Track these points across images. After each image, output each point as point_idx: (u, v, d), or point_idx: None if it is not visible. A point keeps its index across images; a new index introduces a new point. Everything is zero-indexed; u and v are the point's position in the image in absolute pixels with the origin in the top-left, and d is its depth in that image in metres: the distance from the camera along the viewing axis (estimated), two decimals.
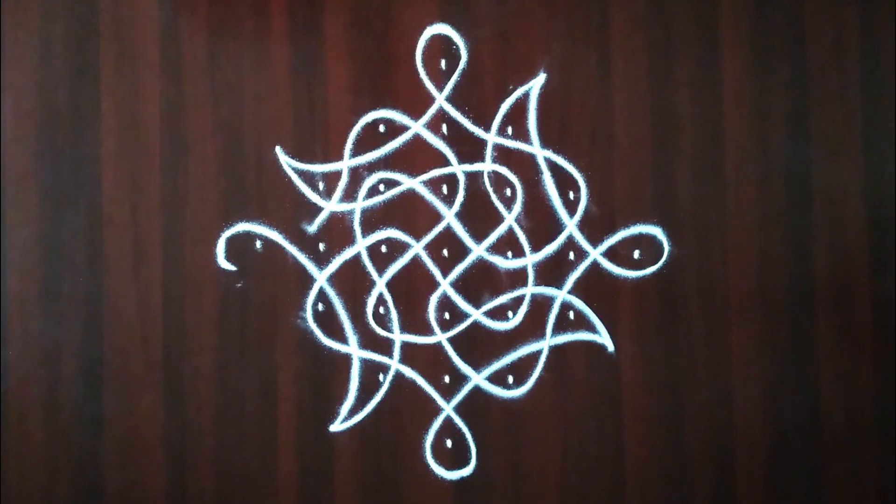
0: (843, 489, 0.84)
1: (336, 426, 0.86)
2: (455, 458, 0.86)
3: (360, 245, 0.86)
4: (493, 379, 0.85)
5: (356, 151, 0.85)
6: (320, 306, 0.86)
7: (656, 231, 0.85)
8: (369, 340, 0.86)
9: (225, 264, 0.86)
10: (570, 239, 0.85)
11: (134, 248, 0.87)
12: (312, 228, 0.86)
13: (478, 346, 0.86)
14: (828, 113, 0.84)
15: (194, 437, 0.87)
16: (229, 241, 0.87)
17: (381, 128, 0.84)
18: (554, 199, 0.85)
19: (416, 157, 0.84)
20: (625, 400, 0.85)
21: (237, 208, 0.87)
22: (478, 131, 0.85)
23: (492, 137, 0.85)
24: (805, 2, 0.84)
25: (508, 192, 0.85)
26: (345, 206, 0.86)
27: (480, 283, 0.86)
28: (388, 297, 0.86)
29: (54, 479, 0.87)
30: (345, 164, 0.86)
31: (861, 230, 0.84)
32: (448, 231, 0.84)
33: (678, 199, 0.85)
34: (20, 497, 0.87)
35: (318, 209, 0.86)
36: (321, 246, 0.86)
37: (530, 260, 0.85)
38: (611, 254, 0.85)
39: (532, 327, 0.85)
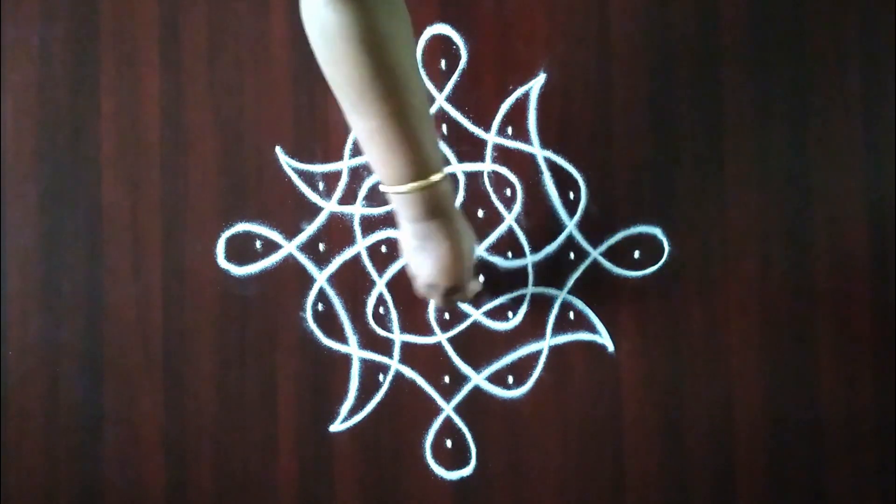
0: (844, 489, 0.84)
1: (336, 426, 0.86)
2: (455, 459, 0.85)
3: (360, 245, 0.86)
4: (493, 379, 0.85)
5: (356, 151, 0.85)
6: (320, 306, 0.86)
7: (656, 231, 0.85)
8: (369, 340, 0.86)
9: (225, 264, 0.86)
10: (570, 239, 0.85)
11: (134, 248, 0.87)
12: (312, 228, 0.86)
13: (478, 346, 0.86)
14: (828, 113, 0.84)
15: (194, 437, 0.87)
16: (229, 241, 0.87)
17: None
18: (554, 199, 0.85)
19: None
20: (625, 400, 0.85)
21: (237, 208, 0.87)
22: (478, 131, 0.85)
23: (492, 137, 0.85)
24: (805, 2, 0.84)
25: (508, 192, 0.85)
26: (345, 207, 0.86)
27: None
28: (388, 297, 0.86)
29: (54, 479, 0.87)
30: (345, 164, 0.86)
31: (861, 230, 0.84)
32: None
33: (678, 199, 0.85)
34: (20, 497, 0.87)
35: (318, 209, 0.86)
36: (321, 246, 0.86)
37: (530, 260, 0.85)
38: (611, 254, 0.85)
39: (532, 327, 0.85)
